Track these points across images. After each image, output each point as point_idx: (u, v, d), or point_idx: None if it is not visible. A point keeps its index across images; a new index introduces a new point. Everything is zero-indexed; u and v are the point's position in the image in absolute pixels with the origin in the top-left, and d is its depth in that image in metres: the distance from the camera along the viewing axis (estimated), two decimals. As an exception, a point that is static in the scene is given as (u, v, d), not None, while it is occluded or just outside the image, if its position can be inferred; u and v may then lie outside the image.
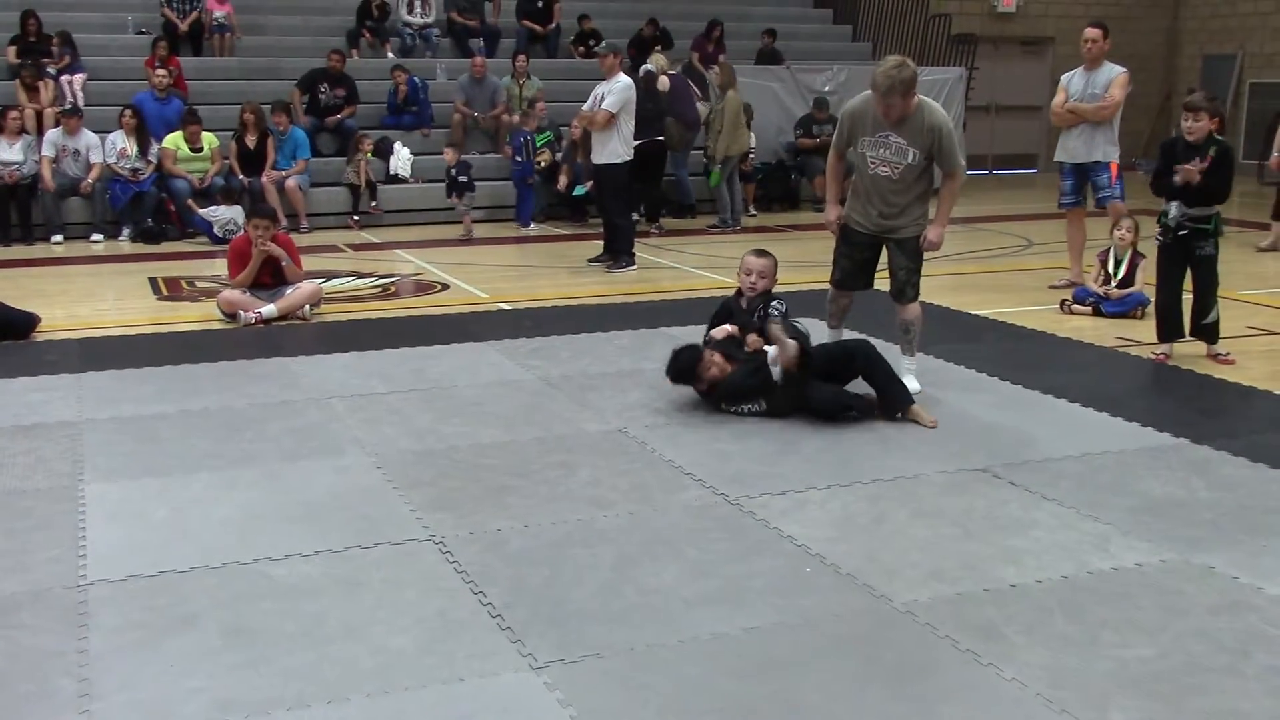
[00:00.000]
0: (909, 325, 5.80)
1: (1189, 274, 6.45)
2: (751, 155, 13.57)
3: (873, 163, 5.61)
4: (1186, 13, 20.24)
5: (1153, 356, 6.54)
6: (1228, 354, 6.41)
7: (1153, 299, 7.74)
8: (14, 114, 11.36)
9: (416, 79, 13.77)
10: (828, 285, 6.06)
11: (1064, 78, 8.78)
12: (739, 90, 12.75)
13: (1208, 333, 6.45)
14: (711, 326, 5.79)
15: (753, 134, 13.59)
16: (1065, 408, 5.54)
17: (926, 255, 5.78)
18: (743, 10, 17.49)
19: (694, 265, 10.24)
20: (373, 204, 12.60)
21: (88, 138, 11.63)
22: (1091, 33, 8.55)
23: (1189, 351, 6.55)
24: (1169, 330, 6.54)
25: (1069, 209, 8.85)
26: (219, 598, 3.53)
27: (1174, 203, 6.34)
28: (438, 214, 13.00)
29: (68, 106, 11.93)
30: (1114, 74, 8.45)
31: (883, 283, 5.91)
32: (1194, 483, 4.51)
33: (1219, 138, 6.34)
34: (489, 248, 11.55)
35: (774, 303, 5.67)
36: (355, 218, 12.57)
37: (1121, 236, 7.95)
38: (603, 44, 10.32)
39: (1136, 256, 7.92)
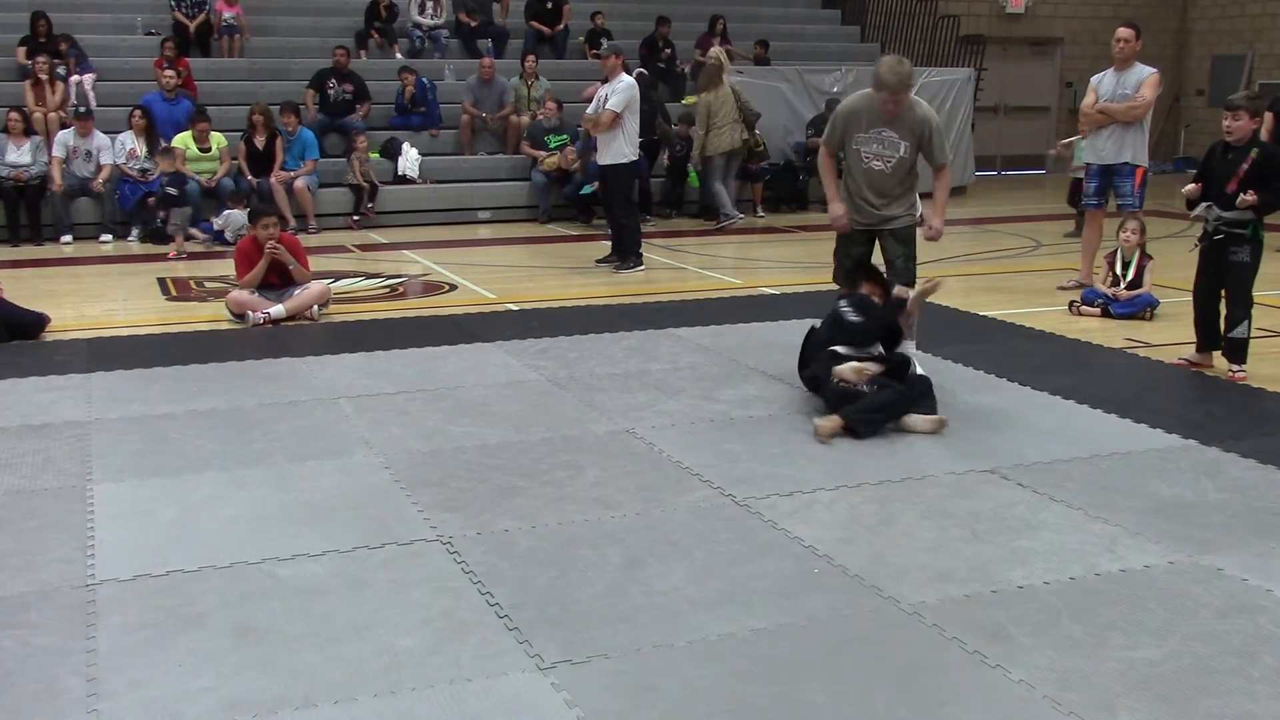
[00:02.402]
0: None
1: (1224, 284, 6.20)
2: (758, 150, 13.58)
3: (866, 157, 5.84)
4: (1196, 13, 20.20)
5: (1178, 362, 6.44)
6: (1242, 373, 6.15)
7: (1161, 301, 7.75)
8: (14, 115, 11.38)
9: (425, 79, 13.79)
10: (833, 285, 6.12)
11: (1094, 79, 8.67)
12: (718, 91, 12.55)
13: (1235, 349, 6.17)
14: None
15: (759, 133, 13.58)
16: (1073, 409, 5.53)
17: (931, 247, 5.88)
18: (751, 11, 17.51)
19: (700, 266, 10.24)
20: (369, 205, 12.60)
21: (99, 139, 11.66)
22: (1124, 32, 8.45)
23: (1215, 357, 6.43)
24: (1206, 340, 6.33)
25: (1090, 210, 8.79)
26: (227, 597, 3.54)
27: (1206, 204, 6.13)
28: (446, 215, 13.04)
29: (80, 109, 11.96)
30: (1145, 74, 8.37)
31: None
32: (1203, 484, 4.50)
33: (1263, 141, 6.18)
34: (497, 248, 11.57)
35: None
36: (355, 217, 12.58)
37: (1126, 238, 7.93)
38: (604, 45, 10.33)
39: (1144, 258, 7.90)
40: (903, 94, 5.63)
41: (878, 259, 6.06)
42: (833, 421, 5.08)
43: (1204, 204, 6.17)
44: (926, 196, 6.10)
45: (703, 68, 13.02)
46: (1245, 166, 5.98)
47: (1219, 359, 6.33)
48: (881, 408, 5.12)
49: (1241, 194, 5.96)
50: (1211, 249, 6.21)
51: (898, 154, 5.78)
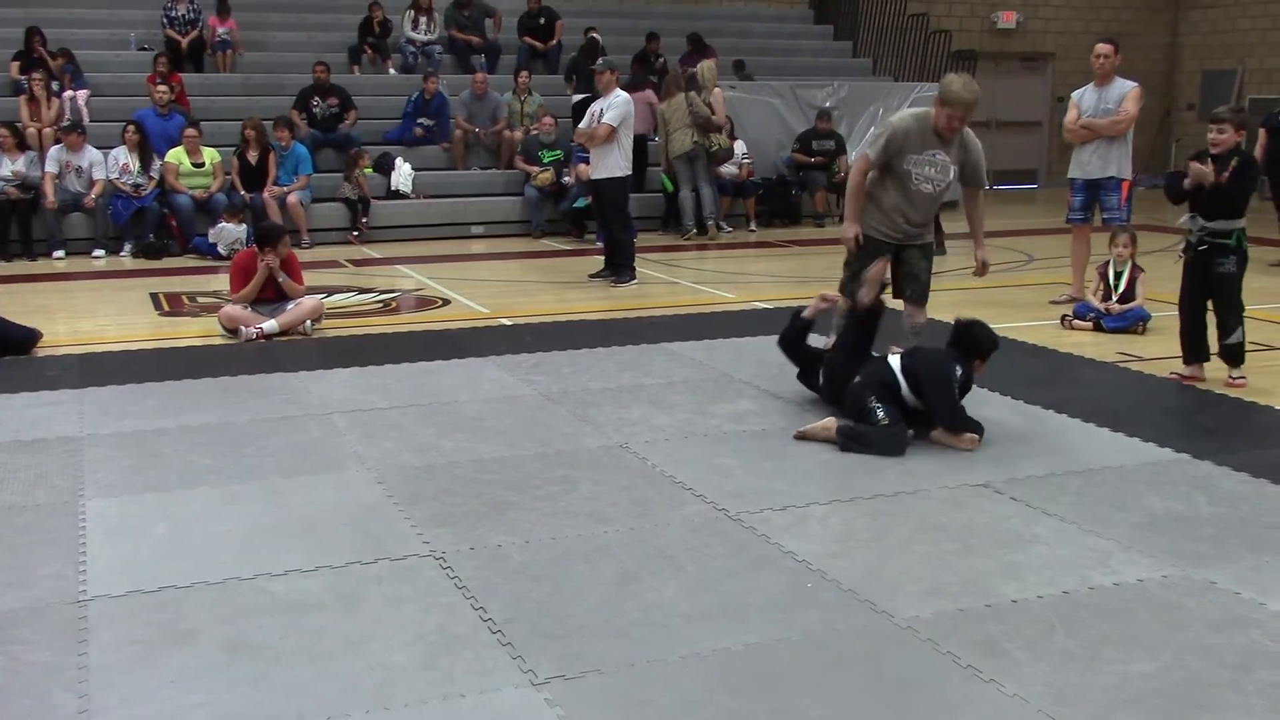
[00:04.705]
0: (920, 329, 6.06)
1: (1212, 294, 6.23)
2: (744, 164, 13.67)
3: (917, 179, 5.84)
4: (1186, 28, 20.30)
5: (1170, 376, 6.44)
6: (1241, 378, 6.20)
7: (1154, 315, 7.76)
8: (3, 131, 11.35)
9: (444, 92, 13.83)
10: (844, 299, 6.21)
11: (1074, 94, 8.71)
12: (671, 100, 12.77)
13: (1231, 354, 6.20)
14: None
15: (740, 142, 13.69)
16: (1066, 423, 5.54)
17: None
18: (743, 26, 17.58)
19: (694, 281, 10.25)
20: (363, 220, 12.63)
21: (91, 154, 11.66)
22: (1103, 48, 8.51)
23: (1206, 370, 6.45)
24: (1193, 353, 6.33)
25: (1076, 224, 8.83)
26: (219, 613, 3.53)
27: (1190, 216, 6.17)
28: (439, 229, 13.05)
29: (69, 122, 11.95)
30: (1127, 88, 8.42)
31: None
32: (1195, 498, 4.51)
33: (1244, 150, 6.23)
34: (491, 263, 11.58)
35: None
36: (355, 232, 12.60)
37: (1119, 252, 7.95)
38: (599, 61, 10.37)
39: (1136, 270, 7.93)
40: (971, 113, 5.75)
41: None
42: (826, 430, 5.10)
43: (1187, 215, 6.22)
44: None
45: (694, 80, 13.13)
46: (1227, 175, 6.02)
47: (1216, 367, 6.33)
48: (878, 446, 5.03)
49: (1210, 169, 5.96)
50: (1196, 261, 6.24)
51: (947, 178, 5.87)
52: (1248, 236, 6.25)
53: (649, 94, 13.54)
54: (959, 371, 5.23)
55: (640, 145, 12.59)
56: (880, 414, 5.12)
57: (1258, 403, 5.94)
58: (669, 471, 4.83)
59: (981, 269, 6.07)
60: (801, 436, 5.19)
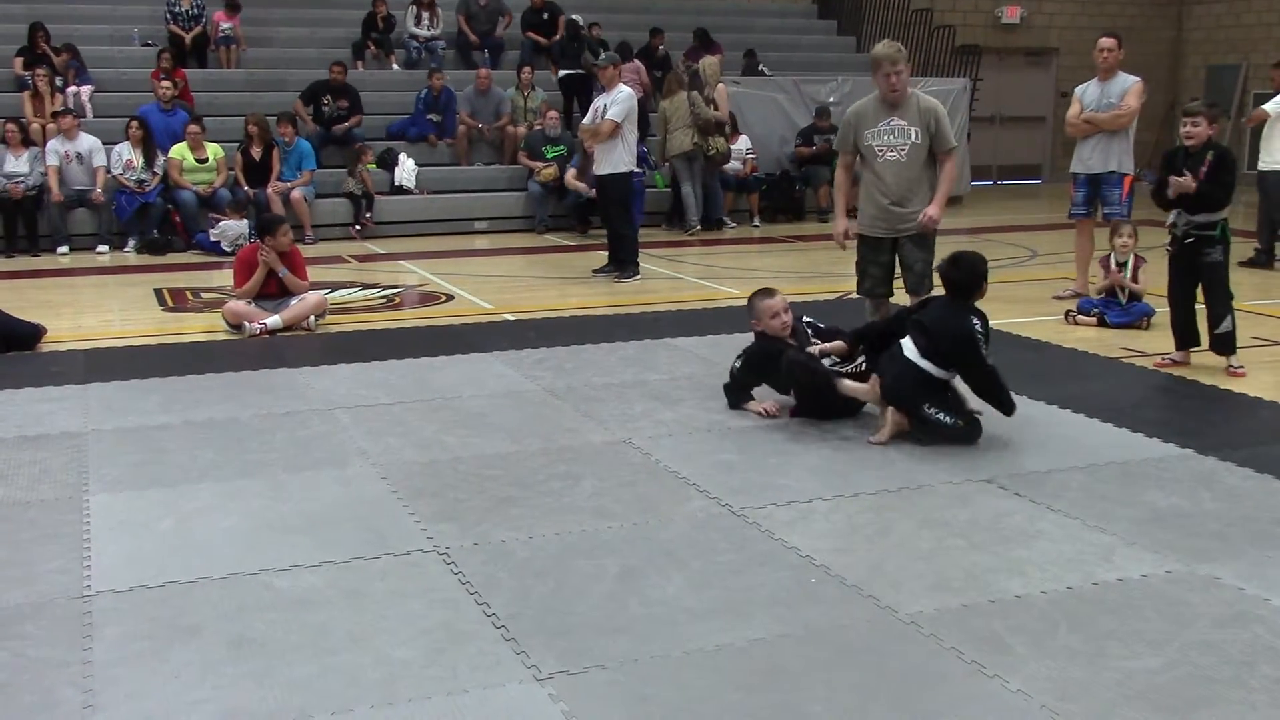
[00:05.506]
0: None
1: (1200, 285, 6.39)
2: (747, 159, 13.70)
3: (880, 150, 6.01)
4: (1191, 23, 20.26)
5: (1159, 361, 6.56)
6: (1240, 367, 6.31)
7: (1158, 311, 7.75)
8: (12, 126, 11.37)
9: (450, 87, 13.83)
10: (859, 297, 6.46)
11: (1077, 89, 8.74)
12: (674, 98, 12.82)
13: (1223, 343, 6.34)
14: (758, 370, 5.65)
15: (743, 136, 13.73)
16: (1070, 418, 5.54)
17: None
18: (746, 21, 17.56)
19: (697, 276, 10.25)
20: (366, 215, 12.63)
21: (88, 141, 11.65)
22: (1106, 42, 8.53)
23: (1200, 362, 6.52)
24: (1184, 339, 6.52)
25: (1079, 219, 8.84)
26: (223, 608, 3.53)
27: (1176, 211, 6.34)
28: (442, 225, 13.05)
29: (63, 108, 11.93)
30: (1129, 83, 8.44)
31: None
32: (1200, 494, 4.51)
33: (1217, 143, 6.33)
34: (494, 258, 11.58)
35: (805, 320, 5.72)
36: (357, 226, 12.59)
37: (1124, 244, 7.94)
38: (602, 56, 10.36)
39: (1139, 260, 7.94)
40: (901, 65, 5.86)
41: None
42: (900, 426, 5.04)
43: (1174, 211, 6.37)
44: None
45: (696, 76, 13.14)
46: (1204, 169, 6.16)
47: (1210, 360, 6.40)
48: (955, 437, 5.03)
49: (1182, 179, 6.08)
50: (1182, 253, 6.40)
51: (909, 140, 5.97)
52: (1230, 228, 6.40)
53: (635, 63, 13.62)
54: (976, 323, 5.00)
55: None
56: (947, 420, 5.03)
57: (1262, 398, 5.93)
58: (672, 467, 4.83)
59: (926, 220, 5.99)
60: (880, 442, 5.05)
